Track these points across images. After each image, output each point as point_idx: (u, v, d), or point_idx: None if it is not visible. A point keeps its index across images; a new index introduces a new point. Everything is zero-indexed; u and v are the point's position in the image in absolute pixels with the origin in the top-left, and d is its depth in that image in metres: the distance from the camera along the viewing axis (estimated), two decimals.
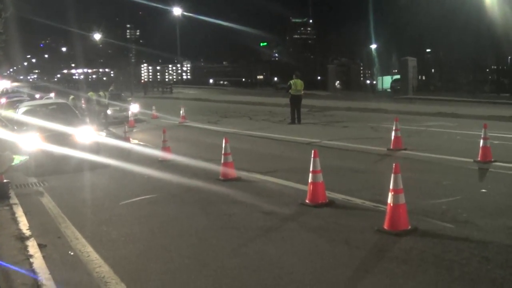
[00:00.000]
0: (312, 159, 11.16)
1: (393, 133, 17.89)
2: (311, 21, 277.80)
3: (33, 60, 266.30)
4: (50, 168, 17.39)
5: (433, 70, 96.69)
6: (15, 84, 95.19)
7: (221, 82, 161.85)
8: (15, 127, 19.28)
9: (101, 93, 32.73)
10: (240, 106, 46.88)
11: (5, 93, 58.22)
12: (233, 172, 14.62)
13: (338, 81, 70.42)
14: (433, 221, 9.58)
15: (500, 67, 71.42)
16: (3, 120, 21.02)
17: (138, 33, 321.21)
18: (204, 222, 10.62)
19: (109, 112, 33.36)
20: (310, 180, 11.23)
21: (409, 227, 8.97)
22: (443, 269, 7.37)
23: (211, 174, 15.08)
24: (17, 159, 4.52)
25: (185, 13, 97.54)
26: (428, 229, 9.09)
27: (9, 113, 23.03)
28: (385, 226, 9.04)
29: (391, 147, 17.82)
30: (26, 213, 11.75)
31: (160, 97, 73.76)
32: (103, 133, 27.73)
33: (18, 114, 20.99)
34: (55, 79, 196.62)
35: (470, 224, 9.36)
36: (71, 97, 37.44)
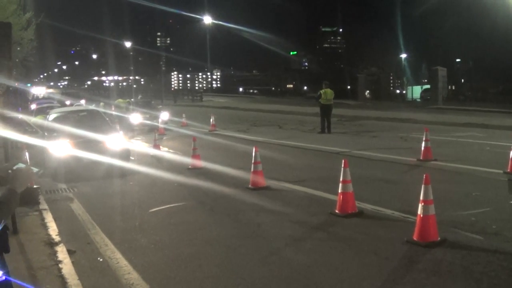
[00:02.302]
0: (342, 168, 11.15)
1: (423, 143, 17.81)
2: (341, 30, 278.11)
3: (64, 67, 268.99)
4: (80, 174, 17.50)
5: (462, 80, 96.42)
6: (50, 90, 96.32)
7: (251, 90, 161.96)
8: (46, 134, 19.43)
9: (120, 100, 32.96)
10: (270, 115, 46.83)
11: (36, 99, 58.80)
12: (262, 181, 14.61)
13: (368, 91, 70.11)
14: (462, 232, 9.52)
15: None
16: (33, 126, 21.18)
17: (168, 41, 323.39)
18: (233, 231, 10.64)
19: (135, 120, 33.60)
20: (339, 190, 11.22)
21: (439, 238, 8.92)
22: (472, 281, 7.32)
23: (240, 183, 15.09)
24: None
25: (215, 22, 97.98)
26: (457, 240, 9.04)
27: (39, 120, 23.17)
28: (415, 237, 9.00)
29: (421, 158, 17.73)
30: (55, 219, 11.82)
31: (190, 105, 73.87)
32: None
33: (49, 121, 21.11)
34: (85, 86, 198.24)
35: (499, 236, 9.31)
36: (101, 103, 37.82)
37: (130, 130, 31.22)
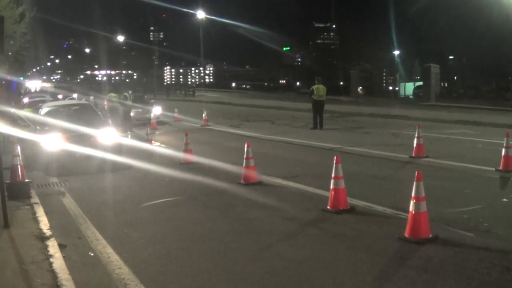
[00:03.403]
0: (334, 165, 11.13)
1: (415, 140, 17.81)
2: (334, 26, 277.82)
3: (57, 61, 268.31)
4: (72, 168, 17.46)
5: (455, 77, 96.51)
6: (45, 84, 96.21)
7: (244, 85, 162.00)
8: (38, 127, 19.39)
9: (126, 94, 32.64)
10: (262, 110, 46.85)
11: (28, 93, 58.79)
12: (254, 176, 14.60)
13: (360, 87, 70.14)
14: (454, 229, 9.53)
15: None
16: (25, 120, 21.14)
17: (161, 36, 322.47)
18: (225, 226, 10.62)
19: (131, 114, 33.45)
20: (331, 186, 11.20)
21: (430, 235, 8.92)
22: (463, 278, 7.32)
23: (232, 178, 15.06)
24: None
25: (209, 16, 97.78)
26: (449, 237, 9.04)
27: (31, 113, 23.11)
28: (406, 234, 9.00)
29: (413, 154, 17.73)
30: (47, 213, 11.80)
31: (183, 99, 73.76)
32: (127, 135, 27.61)
33: (41, 115, 21.07)
34: (78, 80, 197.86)
35: (491, 233, 9.32)
36: (91, 97, 37.74)
37: (129, 123, 30.77)
